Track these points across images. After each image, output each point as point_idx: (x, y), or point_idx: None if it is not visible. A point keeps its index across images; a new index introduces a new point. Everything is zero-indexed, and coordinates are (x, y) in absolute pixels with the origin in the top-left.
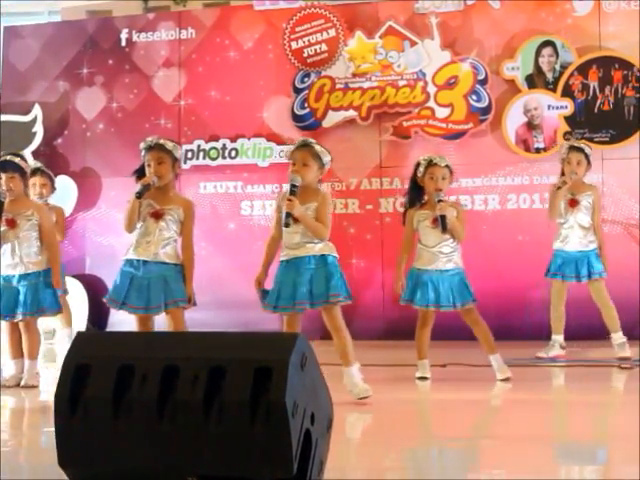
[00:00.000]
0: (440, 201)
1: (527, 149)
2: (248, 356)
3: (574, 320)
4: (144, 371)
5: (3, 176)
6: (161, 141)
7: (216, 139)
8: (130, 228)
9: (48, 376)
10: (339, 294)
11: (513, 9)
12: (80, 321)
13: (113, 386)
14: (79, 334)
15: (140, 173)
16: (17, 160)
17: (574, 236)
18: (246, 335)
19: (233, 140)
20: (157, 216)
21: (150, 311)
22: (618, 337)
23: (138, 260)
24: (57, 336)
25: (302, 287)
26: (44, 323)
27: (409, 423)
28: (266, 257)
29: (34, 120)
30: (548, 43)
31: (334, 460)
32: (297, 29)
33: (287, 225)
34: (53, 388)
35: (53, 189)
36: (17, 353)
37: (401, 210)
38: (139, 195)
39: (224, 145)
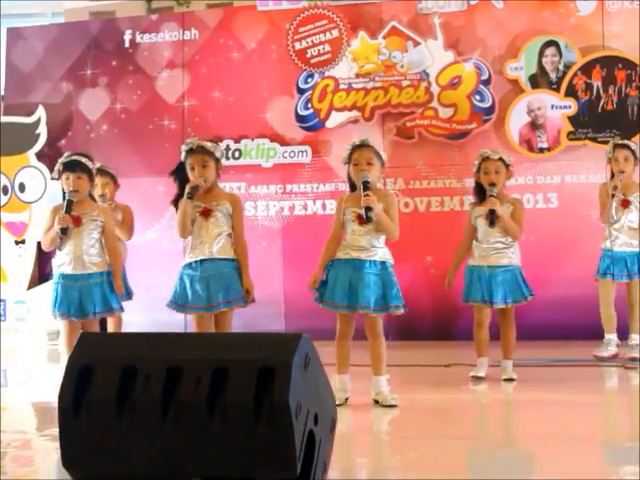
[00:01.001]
0: (492, 196)
1: (531, 149)
2: (251, 357)
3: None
4: (147, 372)
5: (71, 176)
6: (203, 143)
7: (220, 140)
8: (185, 232)
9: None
10: (399, 305)
11: (516, 9)
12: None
13: (116, 387)
14: (83, 335)
15: (178, 174)
16: (85, 160)
17: (624, 236)
18: (249, 336)
19: (237, 141)
20: (206, 214)
21: (211, 309)
22: (637, 338)
23: (196, 261)
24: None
25: (365, 291)
26: (49, 324)
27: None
28: (324, 257)
29: (38, 121)
30: (551, 43)
31: (337, 460)
32: (300, 30)
33: (369, 219)
34: (57, 389)
35: (117, 187)
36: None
37: (405, 210)
38: (190, 196)
39: (228, 146)
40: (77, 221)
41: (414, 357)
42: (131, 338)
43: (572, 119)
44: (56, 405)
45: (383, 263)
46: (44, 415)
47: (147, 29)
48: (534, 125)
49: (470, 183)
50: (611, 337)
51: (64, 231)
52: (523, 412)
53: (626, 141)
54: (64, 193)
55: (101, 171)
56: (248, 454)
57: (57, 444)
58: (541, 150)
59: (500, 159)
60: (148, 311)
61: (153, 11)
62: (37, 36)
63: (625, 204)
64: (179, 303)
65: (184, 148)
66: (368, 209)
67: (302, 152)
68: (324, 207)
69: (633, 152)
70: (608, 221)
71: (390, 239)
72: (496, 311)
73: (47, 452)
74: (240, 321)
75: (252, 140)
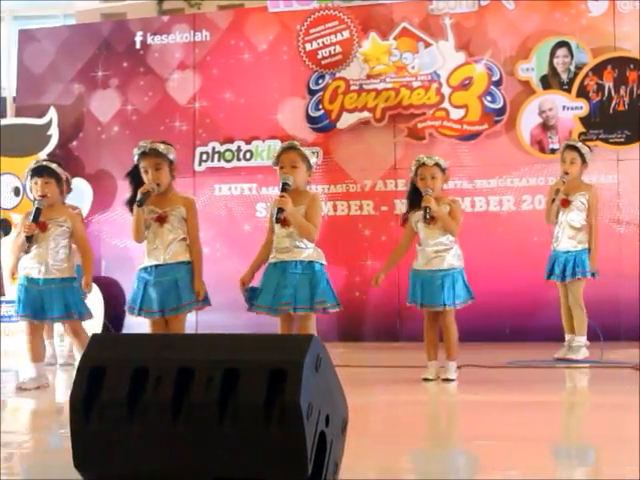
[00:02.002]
0: (426, 194)
1: (542, 150)
2: (263, 358)
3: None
4: (159, 373)
5: (39, 181)
6: (155, 145)
7: (231, 141)
8: (139, 238)
9: (63, 378)
10: (325, 300)
11: (527, 10)
12: (96, 323)
13: (128, 388)
14: (94, 336)
15: (134, 176)
16: (54, 166)
17: (564, 236)
18: (260, 337)
19: (248, 142)
20: (161, 220)
21: (165, 314)
22: (582, 341)
23: (151, 266)
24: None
25: (286, 290)
26: (60, 326)
27: (419, 424)
28: (256, 259)
29: (49, 123)
30: (563, 44)
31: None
32: (311, 31)
33: (278, 220)
34: (68, 390)
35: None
36: (37, 356)
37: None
38: (140, 203)
39: (239, 147)
40: (43, 227)
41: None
42: (142, 339)
43: (583, 120)
44: (67, 406)
45: (310, 263)
46: (54, 416)
47: (158, 30)
48: (545, 126)
49: (482, 184)
50: (569, 338)
51: (29, 239)
52: (477, 413)
53: (577, 143)
54: (34, 200)
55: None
56: (259, 455)
57: (68, 445)
58: (552, 151)
59: (436, 164)
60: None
61: (164, 13)
62: (49, 38)
63: (565, 204)
64: (133, 306)
65: (136, 151)
66: (279, 210)
67: (313, 153)
68: (335, 208)
69: (582, 155)
70: (549, 221)
71: (307, 240)
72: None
73: (58, 453)
74: (250, 322)
75: (263, 141)
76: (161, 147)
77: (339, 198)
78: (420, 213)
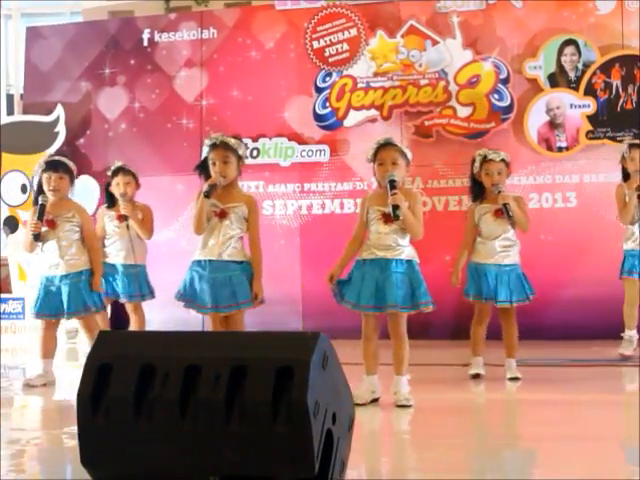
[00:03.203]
0: (500, 192)
1: (549, 148)
2: (270, 356)
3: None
4: (166, 370)
5: (53, 176)
6: (226, 138)
7: (238, 139)
8: (200, 229)
9: (70, 376)
10: (428, 301)
11: (535, 8)
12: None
13: (135, 386)
14: (101, 333)
15: (202, 169)
16: (69, 162)
17: None
18: (267, 335)
19: (255, 140)
20: (222, 215)
21: (219, 310)
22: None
23: (205, 260)
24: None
25: (393, 290)
26: (68, 323)
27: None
28: (345, 256)
29: (56, 120)
30: (570, 42)
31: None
32: (318, 28)
33: (397, 217)
34: (75, 388)
35: (138, 186)
36: (47, 353)
37: (423, 209)
38: (207, 195)
39: (246, 145)
40: (51, 224)
41: (435, 356)
42: (149, 336)
43: (591, 118)
44: (74, 403)
45: (409, 262)
46: (62, 413)
47: (165, 28)
48: (553, 124)
49: None
50: (632, 333)
51: (36, 237)
52: (535, 412)
53: None
54: (36, 196)
55: (123, 170)
56: (266, 453)
57: (76, 442)
58: (560, 149)
59: (502, 160)
60: (166, 309)
61: (171, 10)
62: (56, 35)
63: None
64: (187, 298)
65: (207, 143)
66: (396, 207)
67: (320, 151)
68: (342, 206)
69: None
70: (630, 221)
71: (414, 238)
72: (497, 310)
73: (66, 450)
74: (257, 319)
75: (270, 139)
76: (232, 141)
77: (346, 196)
78: (485, 206)
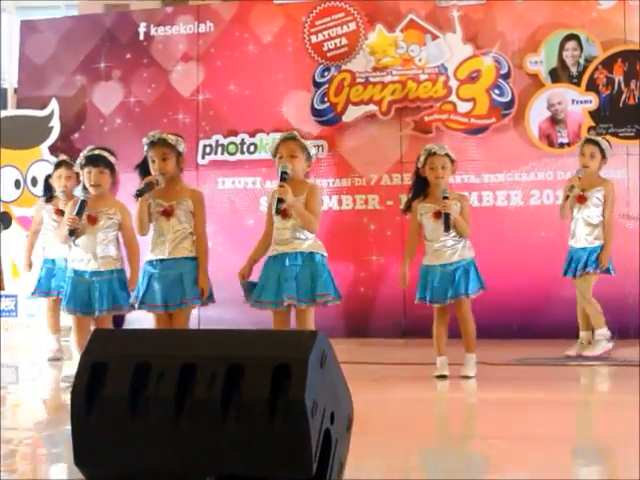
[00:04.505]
0: (445, 198)
1: (551, 144)
2: (267, 354)
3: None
4: (161, 369)
5: (93, 170)
6: (164, 135)
7: (235, 134)
8: (143, 231)
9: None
10: (327, 293)
11: (536, 2)
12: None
13: (130, 384)
14: (95, 332)
15: (143, 168)
16: (108, 155)
17: (580, 232)
18: (265, 332)
19: (252, 135)
20: (168, 214)
21: (169, 309)
22: (602, 334)
23: (156, 260)
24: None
25: (288, 283)
26: (61, 320)
27: (429, 423)
28: (254, 252)
29: (51, 115)
30: (572, 37)
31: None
32: (317, 23)
33: (278, 211)
34: (70, 386)
35: (78, 182)
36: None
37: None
38: (139, 194)
39: (243, 140)
40: (92, 220)
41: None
42: (144, 334)
43: (593, 114)
44: (68, 402)
45: (310, 254)
46: (56, 412)
47: (162, 22)
48: (554, 120)
49: (489, 179)
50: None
51: (72, 232)
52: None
53: (598, 138)
54: (50, 188)
55: (66, 164)
56: (263, 453)
57: (69, 441)
58: (561, 145)
59: (446, 154)
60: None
61: (168, 4)
62: (51, 29)
63: (581, 200)
64: (136, 299)
65: (145, 141)
66: (280, 200)
67: (318, 147)
68: (340, 202)
69: (602, 150)
70: (562, 216)
71: (308, 231)
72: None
73: (59, 449)
74: (254, 318)
75: (268, 134)
76: (170, 138)
77: (344, 192)
78: (427, 205)
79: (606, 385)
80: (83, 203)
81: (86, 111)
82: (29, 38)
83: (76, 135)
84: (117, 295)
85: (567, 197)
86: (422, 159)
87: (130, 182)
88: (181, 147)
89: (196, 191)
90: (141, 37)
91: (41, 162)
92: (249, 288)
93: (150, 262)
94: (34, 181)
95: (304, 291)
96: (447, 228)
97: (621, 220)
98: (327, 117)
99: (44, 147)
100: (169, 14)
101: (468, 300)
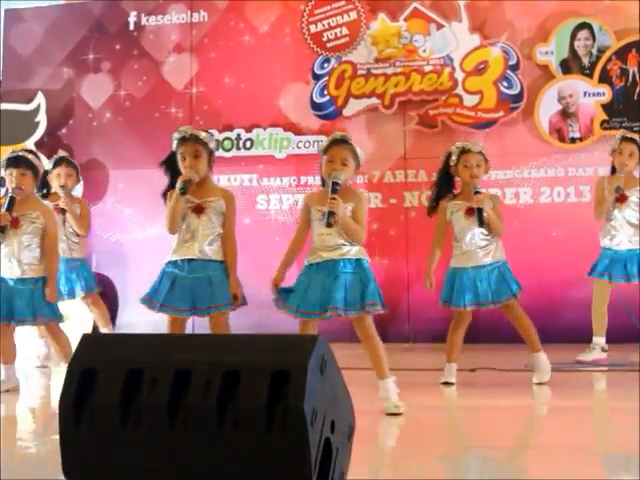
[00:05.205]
0: (477, 193)
1: (562, 139)
2: (264, 360)
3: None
4: (154, 375)
5: (14, 172)
6: (196, 132)
7: (230, 129)
8: (174, 229)
9: (55, 381)
10: (376, 302)
11: None
12: (87, 323)
13: (121, 391)
14: (85, 337)
15: (169, 164)
16: (30, 157)
17: (623, 234)
18: (262, 337)
19: (248, 130)
20: (199, 210)
21: (196, 313)
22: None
23: (183, 260)
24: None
25: (337, 292)
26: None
27: (437, 430)
28: (287, 258)
29: (37, 109)
30: (584, 26)
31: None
32: (316, 11)
33: (329, 225)
34: (58, 394)
35: (78, 180)
36: (8, 358)
37: (427, 204)
38: (183, 192)
39: (238, 135)
40: (15, 223)
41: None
42: (136, 340)
43: (606, 107)
44: (57, 411)
45: (358, 261)
46: (43, 420)
47: (153, 11)
48: (565, 113)
49: (497, 175)
50: (598, 340)
51: (2, 229)
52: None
53: (635, 136)
54: (47, 185)
55: (67, 161)
56: (260, 463)
57: (58, 451)
58: (573, 140)
59: (480, 152)
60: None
61: None
62: (37, 18)
63: (622, 199)
64: (155, 300)
65: (176, 136)
66: (331, 214)
67: (318, 142)
68: None
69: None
70: (602, 217)
71: (355, 242)
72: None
73: (48, 460)
74: (252, 322)
75: (264, 129)
76: (202, 134)
77: None
78: (458, 203)
79: (620, 391)
80: (12, 200)
81: (74, 105)
82: (13, 28)
83: (63, 130)
84: (39, 305)
85: (617, 187)
86: (455, 157)
87: (120, 180)
88: (212, 145)
89: (228, 191)
90: (131, 27)
91: None
92: (284, 296)
93: (174, 263)
94: None
95: (354, 300)
96: (481, 223)
97: None
98: (327, 111)
99: (30, 143)
100: (161, 3)
101: (516, 301)
